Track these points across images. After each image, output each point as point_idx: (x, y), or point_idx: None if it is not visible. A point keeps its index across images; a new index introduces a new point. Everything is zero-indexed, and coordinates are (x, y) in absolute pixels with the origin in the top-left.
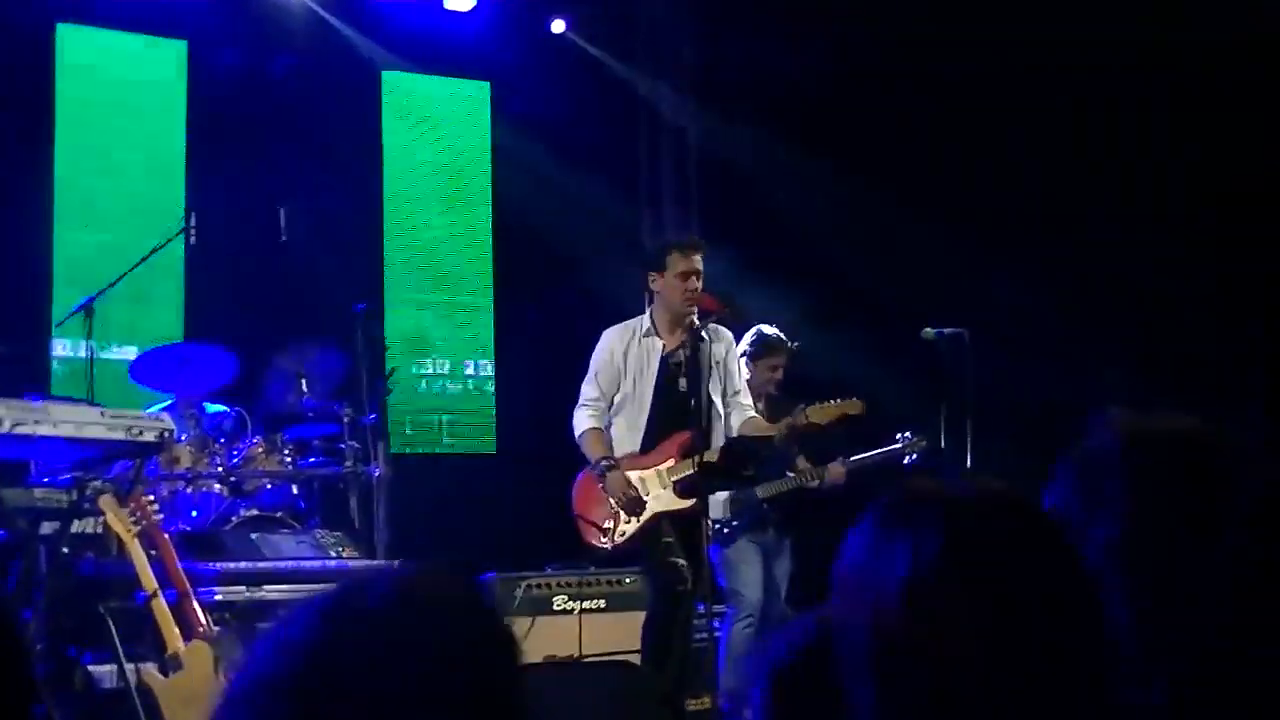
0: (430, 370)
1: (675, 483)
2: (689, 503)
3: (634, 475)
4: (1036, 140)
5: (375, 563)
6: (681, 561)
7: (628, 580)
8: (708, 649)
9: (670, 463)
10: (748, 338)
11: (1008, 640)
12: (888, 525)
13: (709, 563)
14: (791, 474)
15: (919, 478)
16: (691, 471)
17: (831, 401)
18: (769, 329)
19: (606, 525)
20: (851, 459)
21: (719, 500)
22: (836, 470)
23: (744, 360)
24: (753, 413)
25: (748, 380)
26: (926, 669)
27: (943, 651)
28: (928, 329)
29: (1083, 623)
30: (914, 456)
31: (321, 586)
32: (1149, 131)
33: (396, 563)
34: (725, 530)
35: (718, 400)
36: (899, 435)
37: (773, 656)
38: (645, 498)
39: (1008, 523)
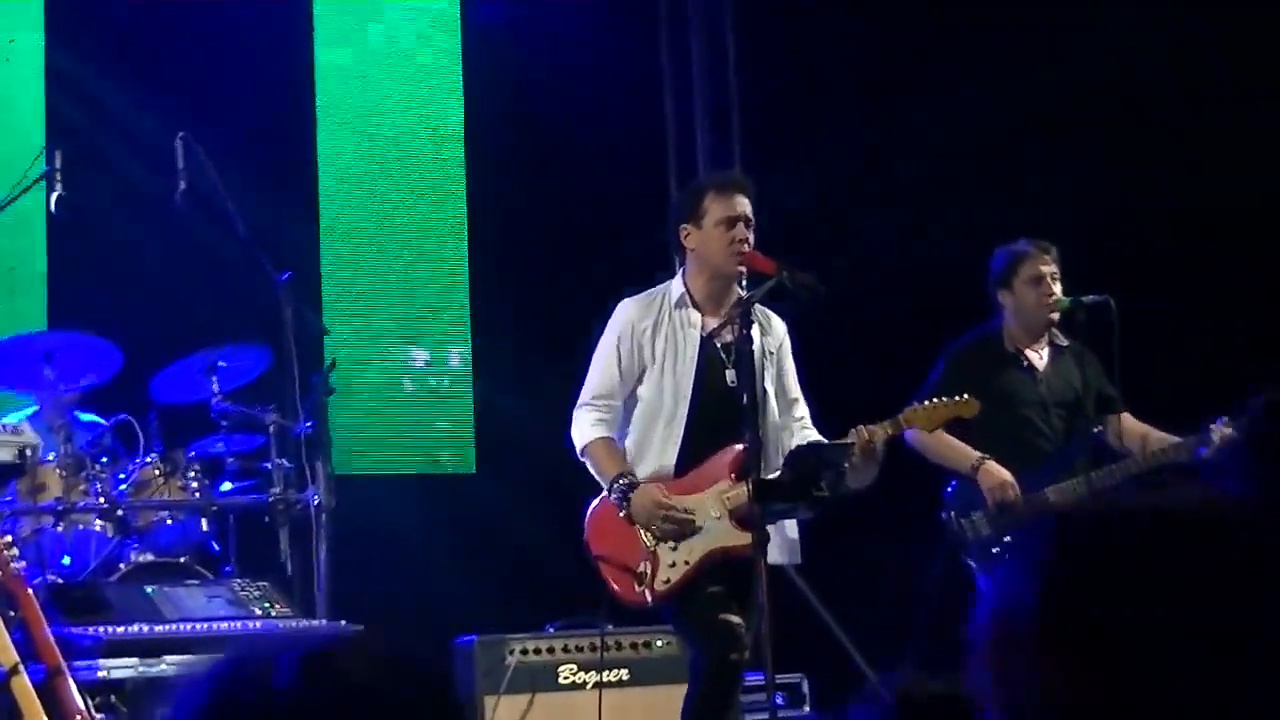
0: (386, 363)
1: (733, 511)
2: (748, 538)
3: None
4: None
5: (312, 623)
6: (735, 619)
7: (659, 643)
8: None
9: (724, 484)
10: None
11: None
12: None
13: (767, 616)
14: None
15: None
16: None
17: (937, 401)
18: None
19: (642, 569)
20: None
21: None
22: (1223, 434)
23: (995, 293)
24: (815, 433)
25: (1012, 320)
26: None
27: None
28: (1062, 297)
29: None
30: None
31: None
32: None
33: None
34: (995, 549)
35: (773, 399)
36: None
37: None
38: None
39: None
